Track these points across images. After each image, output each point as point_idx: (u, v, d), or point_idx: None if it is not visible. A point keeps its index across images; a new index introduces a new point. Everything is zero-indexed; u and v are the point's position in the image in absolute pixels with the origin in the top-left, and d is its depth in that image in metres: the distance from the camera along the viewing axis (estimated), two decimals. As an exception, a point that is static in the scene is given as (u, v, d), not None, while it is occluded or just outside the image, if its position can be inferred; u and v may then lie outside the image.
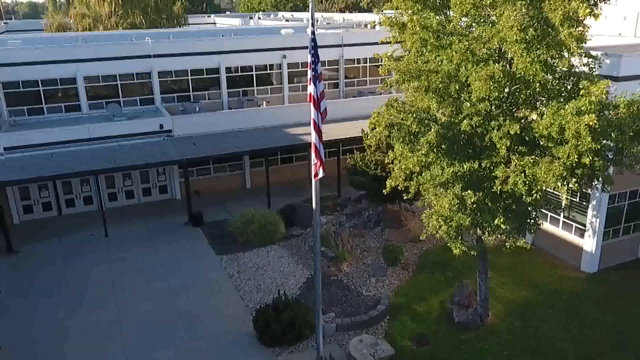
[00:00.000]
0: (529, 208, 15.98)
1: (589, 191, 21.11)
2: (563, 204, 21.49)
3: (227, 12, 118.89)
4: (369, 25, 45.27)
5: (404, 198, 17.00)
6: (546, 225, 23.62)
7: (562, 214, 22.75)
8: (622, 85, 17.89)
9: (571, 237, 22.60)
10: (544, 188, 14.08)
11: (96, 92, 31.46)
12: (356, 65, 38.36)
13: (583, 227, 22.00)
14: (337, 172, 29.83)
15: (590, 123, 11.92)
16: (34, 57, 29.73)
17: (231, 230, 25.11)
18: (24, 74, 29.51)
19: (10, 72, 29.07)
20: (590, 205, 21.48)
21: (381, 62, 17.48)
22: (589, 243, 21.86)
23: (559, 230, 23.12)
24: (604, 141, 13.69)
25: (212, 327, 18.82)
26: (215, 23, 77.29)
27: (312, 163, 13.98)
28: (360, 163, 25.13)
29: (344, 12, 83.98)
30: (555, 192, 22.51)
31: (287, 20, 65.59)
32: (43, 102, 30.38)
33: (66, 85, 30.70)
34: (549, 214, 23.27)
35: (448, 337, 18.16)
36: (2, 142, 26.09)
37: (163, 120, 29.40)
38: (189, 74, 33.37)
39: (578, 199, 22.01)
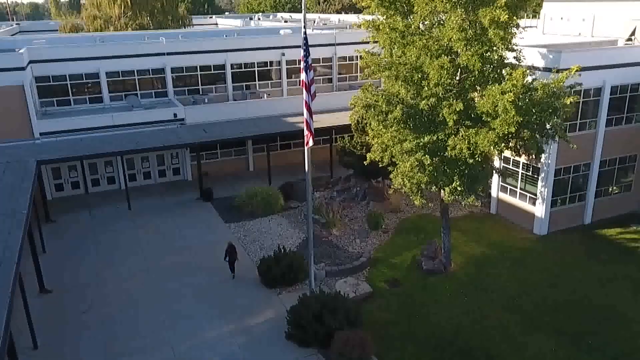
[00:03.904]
0: (477, 173, 20.06)
1: (539, 165, 25.27)
2: (520, 173, 25.64)
3: (227, 13, 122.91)
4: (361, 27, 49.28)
5: (380, 166, 21.09)
6: (506, 197, 27.79)
7: (518, 186, 26.91)
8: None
9: (526, 205, 26.72)
10: (483, 152, 18.20)
11: (116, 85, 35.54)
12: (348, 62, 42.43)
13: (535, 197, 26.12)
14: (329, 156, 33.98)
15: (510, 99, 16.04)
16: (62, 55, 33.77)
17: (238, 203, 29.19)
18: (53, 69, 33.55)
19: (42, 68, 33.11)
20: (540, 177, 25.60)
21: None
22: (539, 210, 25.99)
23: (516, 200, 27.24)
24: (532, 118, 17.80)
25: (224, 276, 22.84)
26: (217, 24, 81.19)
27: (305, 134, 18.07)
28: (349, 145, 29.24)
29: (340, 13, 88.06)
30: (512, 167, 26.71)
31: (285, 21, 69.54)
32: (70, 94, 34.45)
33: (90, 80, 34.78)
34: (509, 187, 27.46)
35: (416, 280, 22.29)
36: (39, 128, 30.20)
37: (177, 110, 33.49)
38: (198, 70, 37.49)
39: (531, 172, 26.13)
